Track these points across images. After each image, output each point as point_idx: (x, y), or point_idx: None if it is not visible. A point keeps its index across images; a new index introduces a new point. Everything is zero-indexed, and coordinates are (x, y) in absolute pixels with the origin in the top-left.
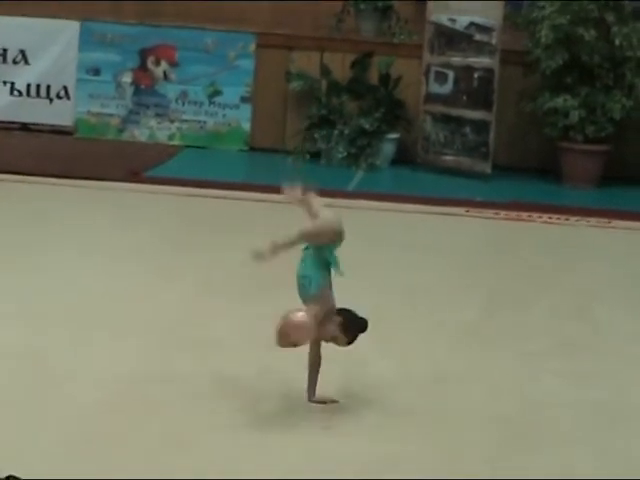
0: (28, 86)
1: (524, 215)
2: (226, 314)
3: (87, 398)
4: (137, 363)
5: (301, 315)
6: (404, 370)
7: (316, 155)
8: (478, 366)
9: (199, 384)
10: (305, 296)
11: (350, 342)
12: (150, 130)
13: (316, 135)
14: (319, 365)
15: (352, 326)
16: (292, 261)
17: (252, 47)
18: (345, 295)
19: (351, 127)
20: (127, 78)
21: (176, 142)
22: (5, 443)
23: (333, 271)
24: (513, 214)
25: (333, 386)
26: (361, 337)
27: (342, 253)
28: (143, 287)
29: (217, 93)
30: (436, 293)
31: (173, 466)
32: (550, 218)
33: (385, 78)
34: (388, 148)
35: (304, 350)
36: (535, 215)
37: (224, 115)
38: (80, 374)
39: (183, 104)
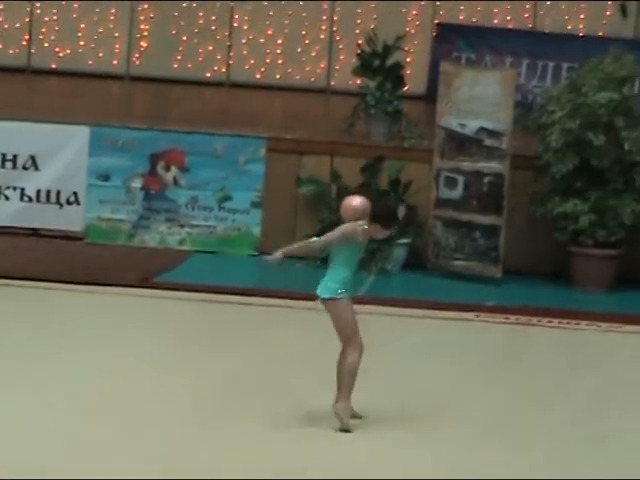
0: (38, 192)
1: (535, 320)
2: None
3: None
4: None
5: None
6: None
7: (326, 260)
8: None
9: None
10: None
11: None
12: (160, 235)
13: None
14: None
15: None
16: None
17: (262, 152)
18: (362, 398)
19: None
20: (137, 183)
21: (186, 247)
22: None
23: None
24: (524, 319)
25: None
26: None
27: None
28: (148, 387)
29: (227, 198)
30: (447, 397)
31: None
32: (560, 323)
33: (395, 183)
34: (399, 253)
35: None
36: (545, 320)
37: (234, 220)
38: None
39: (193, 209)
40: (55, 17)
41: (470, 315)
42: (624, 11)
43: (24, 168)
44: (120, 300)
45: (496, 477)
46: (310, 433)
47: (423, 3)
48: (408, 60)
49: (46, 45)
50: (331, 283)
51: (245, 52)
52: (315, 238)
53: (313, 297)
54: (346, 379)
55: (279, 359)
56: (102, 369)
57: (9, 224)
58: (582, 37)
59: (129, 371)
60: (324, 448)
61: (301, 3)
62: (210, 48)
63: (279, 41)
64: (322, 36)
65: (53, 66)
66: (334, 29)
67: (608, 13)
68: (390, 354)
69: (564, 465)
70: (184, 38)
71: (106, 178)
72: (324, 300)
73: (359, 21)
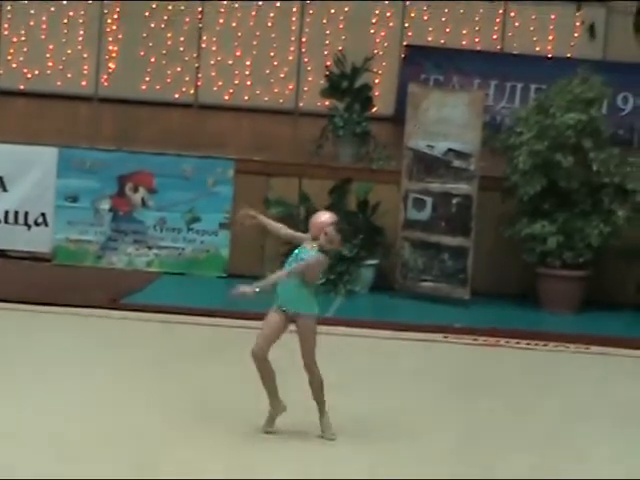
0: (6, 213)
1: (503, 341)
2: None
3: None
4: None
5: None
6: None
7: None
8: None
9: None
10: None
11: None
12: (128, 257)
13: None
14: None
15: None
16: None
17: (231, 173)
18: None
19: (330, 253)
20: (105, 205)
21: (154, 269)
22: None
23: None
24: (492, 340)
25: None
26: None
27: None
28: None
29: (195, 220)
30: (414, 419)
31: None
32: (529, 344)
33: (363, 204)
34: (367, 274)
35: None
36: (514, 341)
37: (202, 241)
38: None
39: (161, 231)
40: (23, 38)
41: (439, 336)
42: (592, 32)
43: None
44: (88, 321)
45: None
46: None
47: (391, 24)
48: (376, 82)
49: (14, 66)
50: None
51: (213, 73)
52: (283, 270)
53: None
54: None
55: (246, 377)
56: (68, 389)
57: None
58: (550, 58)
59: (97, 390)
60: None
61: (269, 25)
62: (178, 69)
63: (247, 62)
64: (290, 57)
65: (21, 87)
66: (302, 50)
67: (576, 35)
68: (356, 374)
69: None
70: (152, 59)
71: (74, 199)
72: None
73: (327, 42)
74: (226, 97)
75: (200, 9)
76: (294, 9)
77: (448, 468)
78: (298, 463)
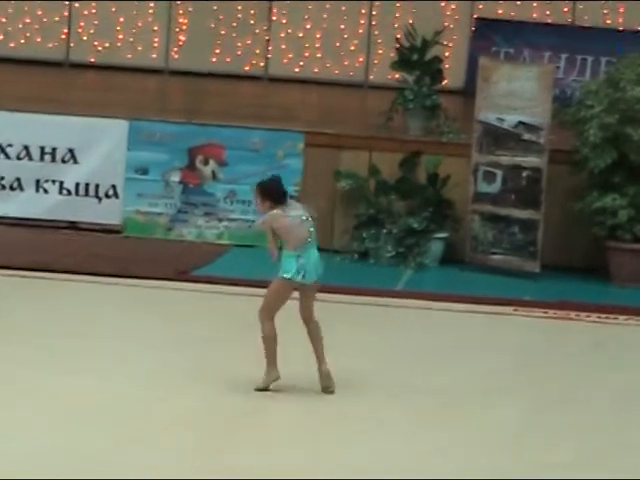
0: (77, 185)
1: (572, 314)
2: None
3: None
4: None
5: None
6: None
7: (364, 254)
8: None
9: None
10: None
11: None
12: (198, 229)
13: (364, 234)
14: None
15: None
16: None
17: (300, 146)
18: (395, 392)
19: (399, 226)
20: (175, 177)
21: (224, 241)
22: None
23: None
24: (561, 313)
25: None
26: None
27: (392, 352)
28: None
29: None
30: (484, 391)
31: None
32: (599, 317)
33: (433, 177)
34: (436, 247)
35: None
36: (583, 314)
37: None
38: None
39: (231, 203)
40: (94, 11)
41: (508, 309)
42: None
43: (63, 161)
44: (157, 293)
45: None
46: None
47: None
48: (446, 55)
49: (85, 39)
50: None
51: (283, 46)
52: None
53: (353, 290)
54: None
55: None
56: (137, 361)
57: (47, 217)
58: (621, 31)
59: (165, 363)
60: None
61: None
62: (248, 42)
63: (317, 35)
64: (360, 30)
65: (91, 60)
66: (373, 23)
67: None
68: (428, 348)
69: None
70: (222, 32)
71: (144, 172)
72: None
73: (397, 15)
74: (296, 70)
75: None
76: None
77: (517, 438)
78: None
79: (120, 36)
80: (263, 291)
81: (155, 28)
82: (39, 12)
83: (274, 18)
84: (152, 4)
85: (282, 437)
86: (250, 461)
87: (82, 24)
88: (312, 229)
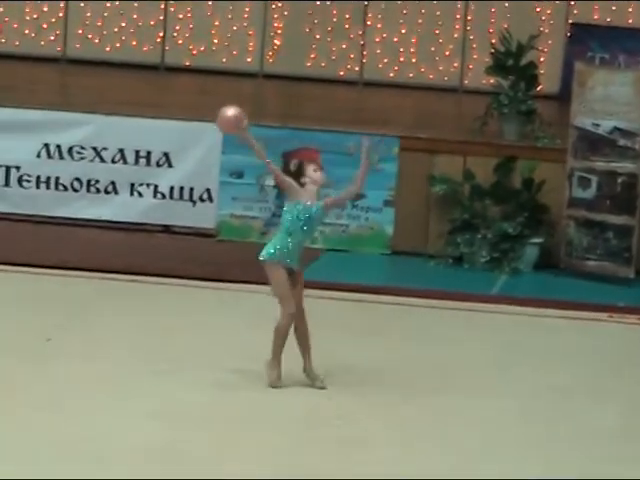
0: (171, 188)
1: None
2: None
3: None
4: None
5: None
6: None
7: (458, 259)
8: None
9: None
10: None
11: None
12: None
13: (459, 239)
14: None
15: None
16: None
17: (395, 150)
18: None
19: (494, 231)
20: (270, 181)
21: (318, 245)
22: None
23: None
24: None
25: None
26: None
27: (484, 354)
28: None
29: (360, 196)
30: (576, 397)
31: None
32: None
33: (528, 182)
34: (531, 252)
35: None
36: None
37: (367, 219)
38: None
39: None
40: (189, 15)
41: (603, 315)
42: None
43: (157, 165)
44: (251, 298)
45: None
46: None
47: (557, 2)
48: (542, 60)
49: (180, 42)
50: (270, 246)
51: (378, 51)
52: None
53: (445, 295)
54: (275, 339)
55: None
56: (231, 366)
57: (142, 220)
58: None
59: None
60: None
61: (435, 2)
62: (343, 46)
63: (412, 40)
64: (456, 35)
65: (187, 63)
66: (468, 28)
67: None
68: (519, 352)
69: None
70: (317, 36)
71: (239, 175)
72: (261, 261)
73: (493, 20)
74: (391, 74)
75: None
76: None
77: (608, 448)
78: None
79: (215, 40)
80: (358, 296)
81: (250, 32)
82: (134, 16)
83: (369, 22)
84: (247, 8)
85: None
86: None
87: (177, 27)
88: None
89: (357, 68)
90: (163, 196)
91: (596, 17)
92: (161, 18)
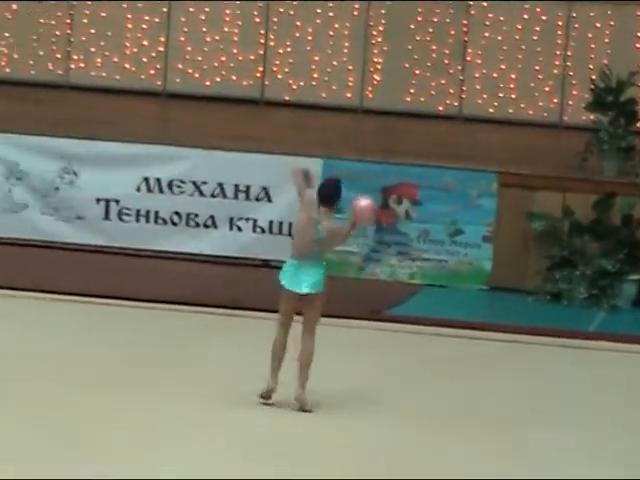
0: (270, 223)
1: None
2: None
3: None
4: None
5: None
6: None
7: (557, 295)
8: None
9: None
10: None
11: None
12: (391, 268)
13: (557, 275)
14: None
15: None
16: None
17: (494, 186)
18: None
19: (593, 268)
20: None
21: (417, 281)
22: None
23: None
24: None
25: None
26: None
27: (575, 390)
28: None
29: (459, 232)
30: None
31: None
32: None
33: (628, 219)
34: (630, 289)
35: None
36: None
37: (465, 254)
38: None
39: (424, 243)
40: (289, 49)
41: None
42: None
43: (257, 199)
44: (349, 333)
45: None
46: None
47: None
48: None
49: (279, 77)
50: (321, 278)
51: (478, 86)
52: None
53: (543, 331)
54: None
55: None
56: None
57: (241, 255)
58: None
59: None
60: None
61: (535, 38)
62: (442, 82)
63: (512, 75)
64: (555, 71)
65: (286, 98)
66: (567, 64)
67: None
68: (615, 388)
69: None
70: (417, 71)
71: (338, 211)
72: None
73: (592, 56)
74: (490, 110)
75: (465, 22)
76: (559, 23)
77: None
78: None
79: (315, 75)
80: (457, 332)
81: (350, 67)
82: (234, 50)
83: (469, 58)
84: (347, 43)
85: None
86: None
87: (277, 62)
88: (319, 239)
89: (456, 103)
90: (262, 230)
91: None
92: (261, 53)
